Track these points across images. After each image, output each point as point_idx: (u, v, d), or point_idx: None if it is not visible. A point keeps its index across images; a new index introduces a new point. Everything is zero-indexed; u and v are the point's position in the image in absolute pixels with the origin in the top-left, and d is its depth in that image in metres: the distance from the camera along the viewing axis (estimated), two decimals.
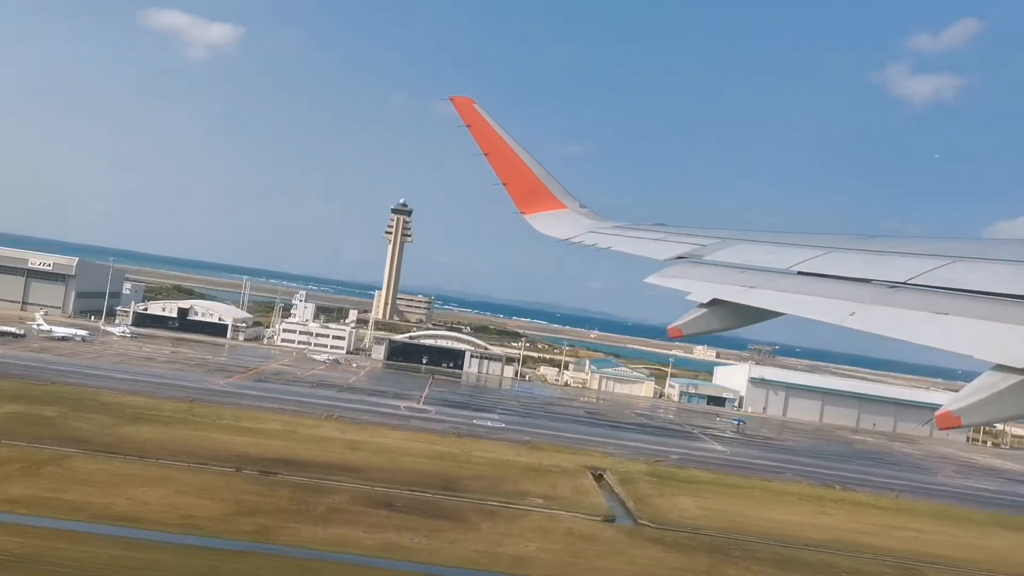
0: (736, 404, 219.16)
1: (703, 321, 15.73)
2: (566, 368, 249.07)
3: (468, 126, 28.24)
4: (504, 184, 27.13)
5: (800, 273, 15.20)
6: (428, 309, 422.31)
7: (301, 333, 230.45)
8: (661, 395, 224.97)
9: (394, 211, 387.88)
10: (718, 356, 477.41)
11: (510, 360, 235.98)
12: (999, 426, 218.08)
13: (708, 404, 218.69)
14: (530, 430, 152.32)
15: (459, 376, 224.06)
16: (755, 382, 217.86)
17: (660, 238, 19.42)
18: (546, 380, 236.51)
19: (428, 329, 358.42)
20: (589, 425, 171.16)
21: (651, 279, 17.07)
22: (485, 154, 27.51)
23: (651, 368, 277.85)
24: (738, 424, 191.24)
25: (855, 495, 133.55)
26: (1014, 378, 9.56)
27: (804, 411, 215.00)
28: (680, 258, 17.45)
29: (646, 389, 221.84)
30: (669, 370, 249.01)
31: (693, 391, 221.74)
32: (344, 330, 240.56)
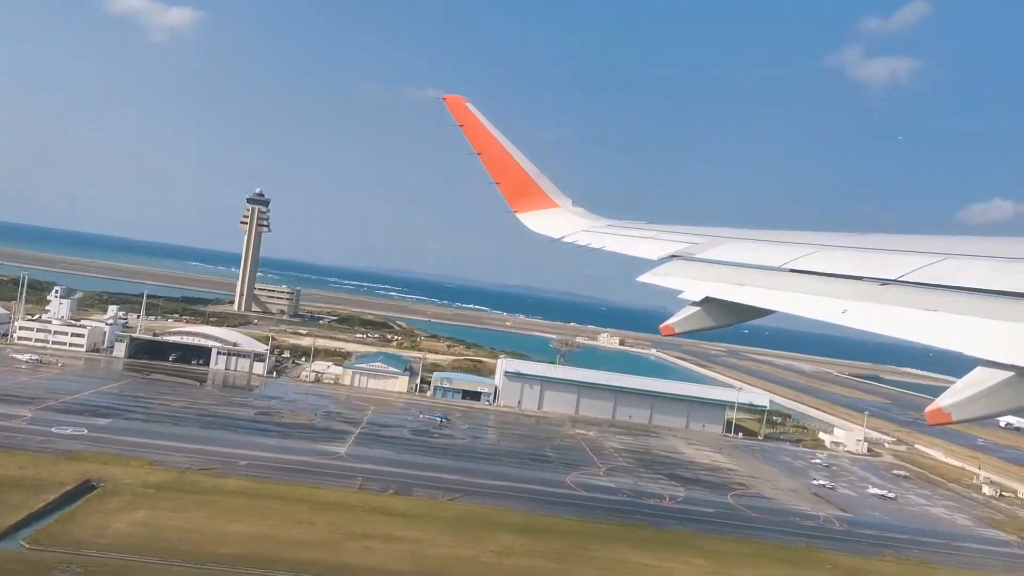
0: (491, 398, 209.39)
1: (696, 319, 15.80)
2: (331, 362, 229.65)
3: (460, 126, 28.22)
4: (497, 183, 27.16)
5: (792, 271, 15.30)
6: (291, 300, 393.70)
7: (39, 331, 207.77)
8: (418, 389, 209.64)
9: (250, 201, 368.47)
10: (622, 343, 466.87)
11: (260, 357, 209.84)
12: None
13: (463, 398, 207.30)
14: (110, 436, 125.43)
15: (205, 375, 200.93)
16: (510, 376, 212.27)
17: (652, 236, 19.48)
18: (299, 377, 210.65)
19: (286, 322, 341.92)
20: (212, 429, 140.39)
21: (644, 277, 17.14)
22: (478, 153, 27.49)
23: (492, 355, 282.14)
24: (440, 420, 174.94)
25: (411, 501, 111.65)
26: (1004, 374, 9.68)
27: (560, 404, 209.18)
28: (673, 256, 17.57)
29: (399, 384, 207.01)
30: (501, 360, 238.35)
31: (448, 385, 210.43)
32: (84, 328, 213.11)
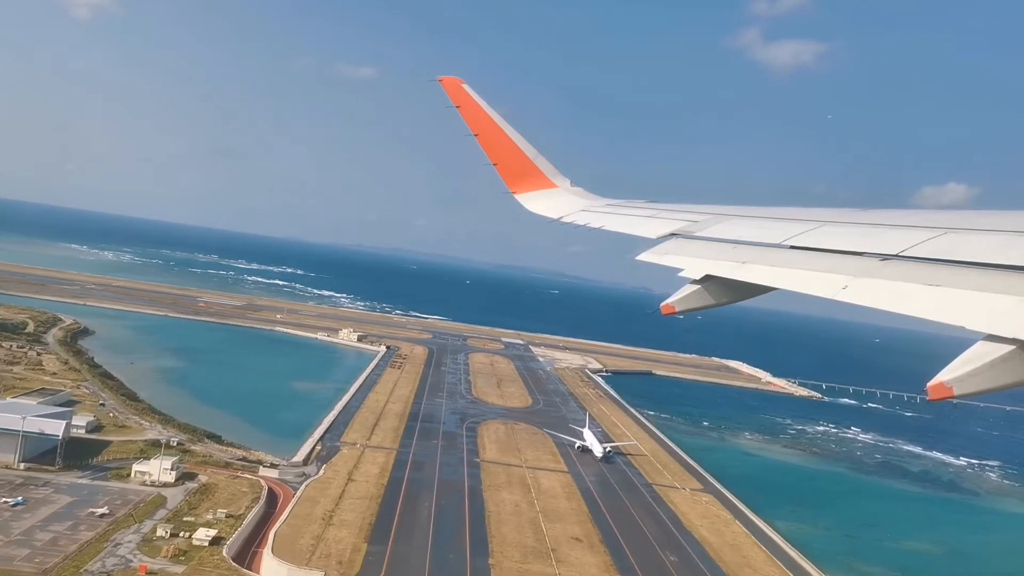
0: None
1: (696, 297, 15.72)
2: None
3: (457, 107, 27.90)
4: (495, 164, 26.87)
5: (793, 247, 15.18)
6: None
7: None
8: None
9: None
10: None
11: None
12: None
13: None
14: None
15: None
16: None
17: (651, 215, 19.34)
18: None
19: None
20: None
21: (643, 256, 17.05)
22: (475, 135, 27.23)
23: None
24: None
25: None
26: (1006, 348, 9.73)
27: None
28: (672, 235, 17.45)
29: None
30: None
31: None
32: None
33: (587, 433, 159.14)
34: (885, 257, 13.43)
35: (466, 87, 28.57)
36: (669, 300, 15.84)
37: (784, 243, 15.32)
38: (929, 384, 10.06)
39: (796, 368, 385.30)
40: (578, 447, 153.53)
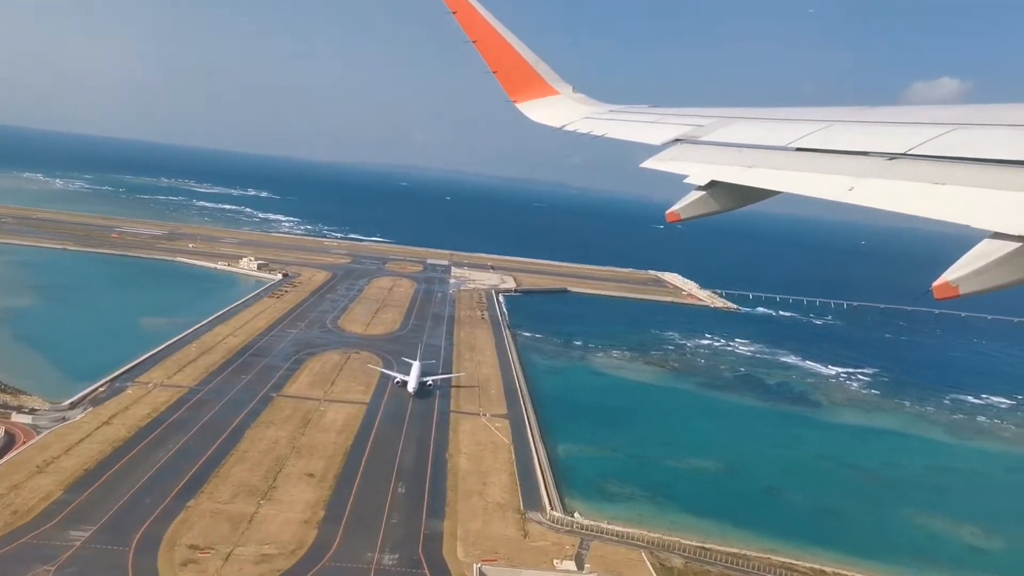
0: None
1: (701, 204, 15.53)
2: None
3: (453, 12, 26.63)
4: (494, 72, 25.87)
5: (799, 149, 14.97)
6: None
7: None
8: None
9: None
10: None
11: None
12: None
13: None
14: None
15: None
16: None
17: (655, 120, 18.92)
18: None
19: None
20: None
21: (647, 164, 16.69)
22: (473, 41, 26.07)
23: None
24: None
25: None
26: (1012, 245, 9.73)
27: None
28: (677, 140, 17.10)
29: None
30: None
31: None
32: None
33: (415, 366, 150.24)
34: (892, 156, 13.31)
35: None
36: (674, 208, 15.58)
37: (790, 145, 15.12)
38: (934, 284, 10.06)
39: (758, 279, 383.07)
40: (397, 382, 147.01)
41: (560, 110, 23.80)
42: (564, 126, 22.03)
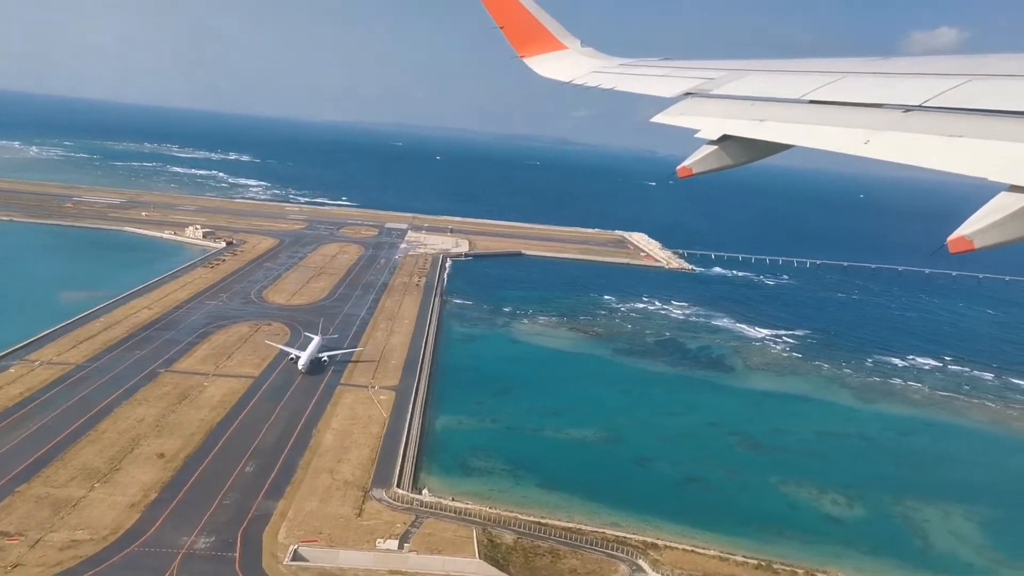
0: None
1: (713, 158, 15.18)
2: None
3: None
4: (501, 27, 25.05)
5: (812, 102, 14.76)
6: None
7: None
8: None
9: None
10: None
11: None
12: None
13: None
14: None
15: None
16: None
17: (666, 73, 18.47)
18: None
19: None
20: None
21: (658, 118, 16.26)
22: None
23: None
24: None
25: None
26: None
27: None
28: (688, 94, 16.66)
29: None
30: None
31: None
32: None
33: (314, 342, 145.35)
34: (908, 108, 13.20)
35: None
36: (685, 163, 15.20)
37: (803, 98, 14.88)
38: (949, 238, 10.00)
39: (732, 237, 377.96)
40: (291, 358, 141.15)
41: (568, 64, 23.27)
42: (573, 80, 21.41)
